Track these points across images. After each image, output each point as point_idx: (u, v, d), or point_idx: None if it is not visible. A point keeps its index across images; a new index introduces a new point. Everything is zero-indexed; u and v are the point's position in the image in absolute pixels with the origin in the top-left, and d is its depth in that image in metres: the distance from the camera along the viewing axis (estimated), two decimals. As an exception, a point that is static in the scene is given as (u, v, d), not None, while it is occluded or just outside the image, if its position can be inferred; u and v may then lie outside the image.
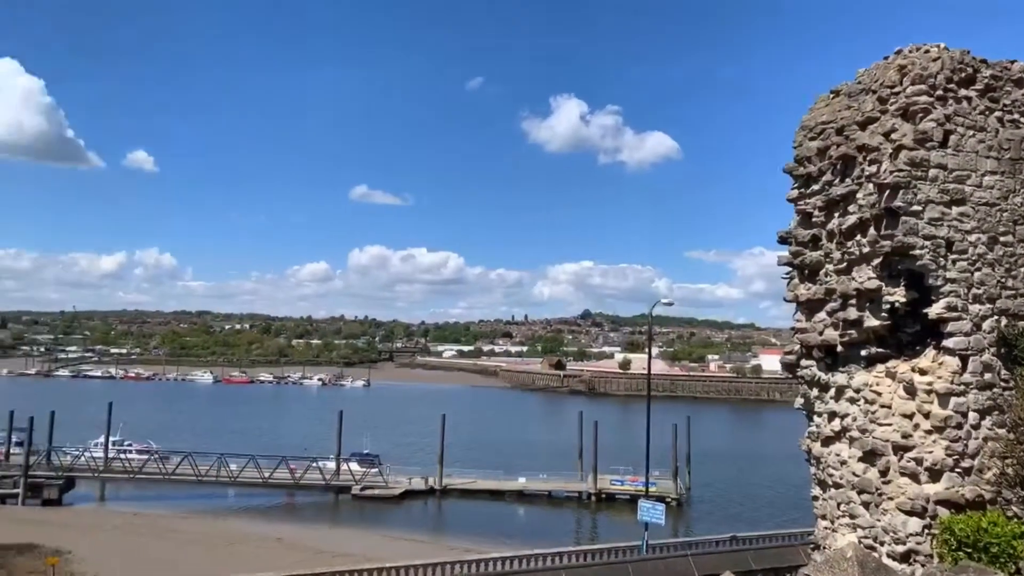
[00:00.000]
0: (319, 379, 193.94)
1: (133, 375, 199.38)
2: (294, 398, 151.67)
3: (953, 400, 11.05)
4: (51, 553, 31.06)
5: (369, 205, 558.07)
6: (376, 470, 54.50)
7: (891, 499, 11.23)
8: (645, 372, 49.98)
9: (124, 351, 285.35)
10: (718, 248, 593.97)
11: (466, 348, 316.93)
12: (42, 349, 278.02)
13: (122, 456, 55.41)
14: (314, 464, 52.70)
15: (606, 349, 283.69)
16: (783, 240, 14.19)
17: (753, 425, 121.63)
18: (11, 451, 53.53)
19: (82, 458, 53.94)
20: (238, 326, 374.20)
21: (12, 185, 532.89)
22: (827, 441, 12.69)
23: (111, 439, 57.84)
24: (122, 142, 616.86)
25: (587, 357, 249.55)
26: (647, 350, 46.26)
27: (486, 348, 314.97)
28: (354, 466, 54.30)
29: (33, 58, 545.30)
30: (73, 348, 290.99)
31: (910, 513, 10.94)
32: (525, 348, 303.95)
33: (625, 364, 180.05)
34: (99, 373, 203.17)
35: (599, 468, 53.02)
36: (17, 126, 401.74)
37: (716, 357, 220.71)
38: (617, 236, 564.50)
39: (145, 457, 55.53)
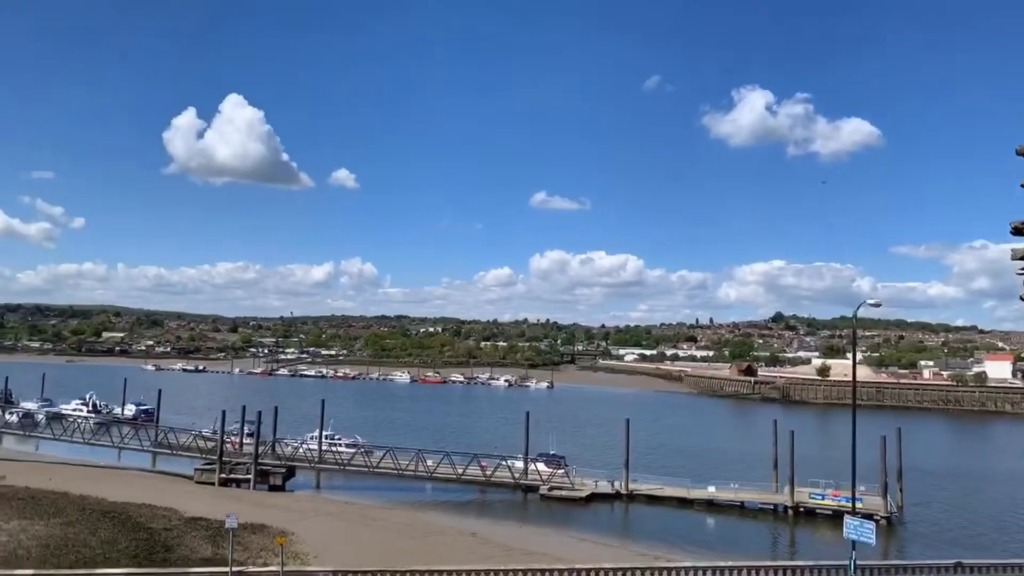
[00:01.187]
0: (505, 380, 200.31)
1: (341, 375, 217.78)
2: (482, 398, 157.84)
3: None
4: (278, 533, 34.80)
5: (549, 211, 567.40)
6: (563, 471, 55.18)
7: None
8: (845, 379, 46.23)
9: (333, 352, 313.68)
10: (929, 242, 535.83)
11: (648, 352, 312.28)
12: (266, 351, 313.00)
13: (333, 449, 60.66)
14: (503, 463, 54.45)
15: (802, 354, 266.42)
16: (1018, 231, 12.56)
17: (977, 440, 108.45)
18: (244, 441, 60.59)
19: (300, 449, 59.85)
20: (431, 329, 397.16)
21: (240, 206, 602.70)
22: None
23: (324, 433, 63.55)
24: (327, 162, 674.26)
25: (780, 362, 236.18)
26: (852, 355, 42.62)
27: (669, 352, 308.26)
28: (541, 466, 55.37)
29: (254, 92, 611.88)
30: (291, 350, 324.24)
31: None
32: (711, 352, 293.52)
33: (823, 370, 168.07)
34: (312, 373, 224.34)
35: (796, 481, 49.81)
36: (243, 153, 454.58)
37: (930, 363, 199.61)
38: (811, 233, 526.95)
39: (352, 450, 60.32)
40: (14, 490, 44.31)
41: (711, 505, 51.17)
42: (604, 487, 53.73)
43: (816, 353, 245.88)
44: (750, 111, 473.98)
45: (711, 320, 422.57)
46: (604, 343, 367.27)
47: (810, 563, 24.42)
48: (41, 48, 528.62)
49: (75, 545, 31.58)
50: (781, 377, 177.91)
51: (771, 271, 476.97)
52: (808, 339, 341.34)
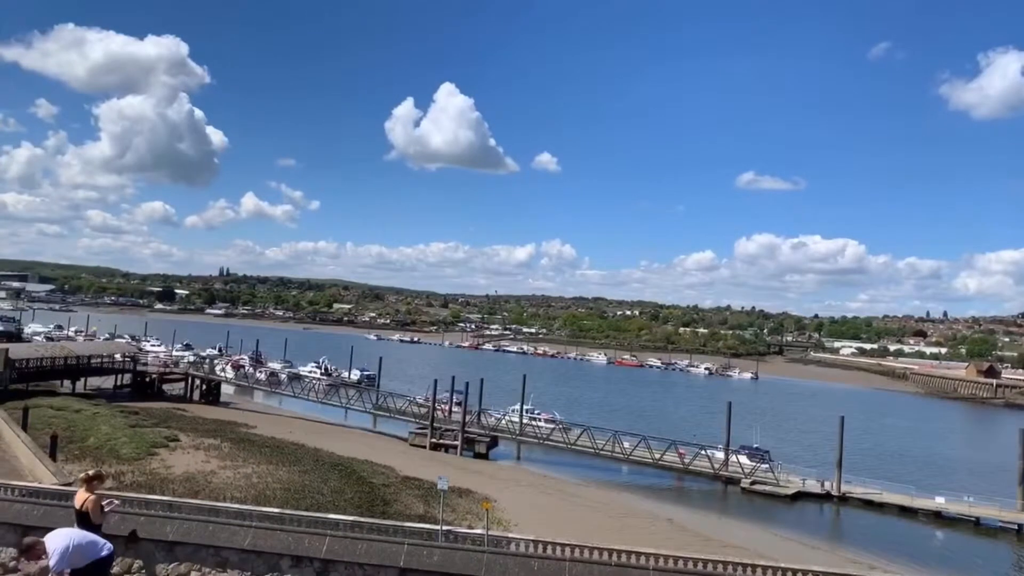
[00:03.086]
0: (706, 368, 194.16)
1: (540, 352, 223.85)
2: (681, 384, 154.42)
3: None
4: (483, 499, 36.76)
5: (757, 192, 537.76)
6: (766, 466, 52.62)
7: None
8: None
9: (533, 331, 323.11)
10: None
11: (867, 346, 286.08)
12: (472, 326, 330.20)
13: (533, 423, 62.75)
14: (702, 452, 53.07)
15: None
16: None
17: None
18: (452, 409, 64.59)
19: (503, 421, 62.65)
20: (628, 312, 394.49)
21: (452, 189, 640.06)
22: None
23: (524, 407, 65.90)
24: (531, 147, 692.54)
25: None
26: None
27: (892, 347, 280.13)
28: (743, 459, 53.20)
29: (466, 80, 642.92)
30: (495, 326, 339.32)
31: None
32: (943, 350, 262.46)
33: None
34: (514, 349, 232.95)
35: (1049, 500, 43.36)
36: (455, 139, 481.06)
37: None
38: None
39: (551, 426, 61.98)
40: (263, 439, 51.01)
41: (939, 517, 46.14)
42: (812, 486, 50.46)
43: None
44: (1001, 77, 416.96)
45: (944, 314, 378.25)
46: (817, 334, 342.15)
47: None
48: (280, 48, 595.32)
49: (310, 491, 35.69)
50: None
51: (1023, 259, 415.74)
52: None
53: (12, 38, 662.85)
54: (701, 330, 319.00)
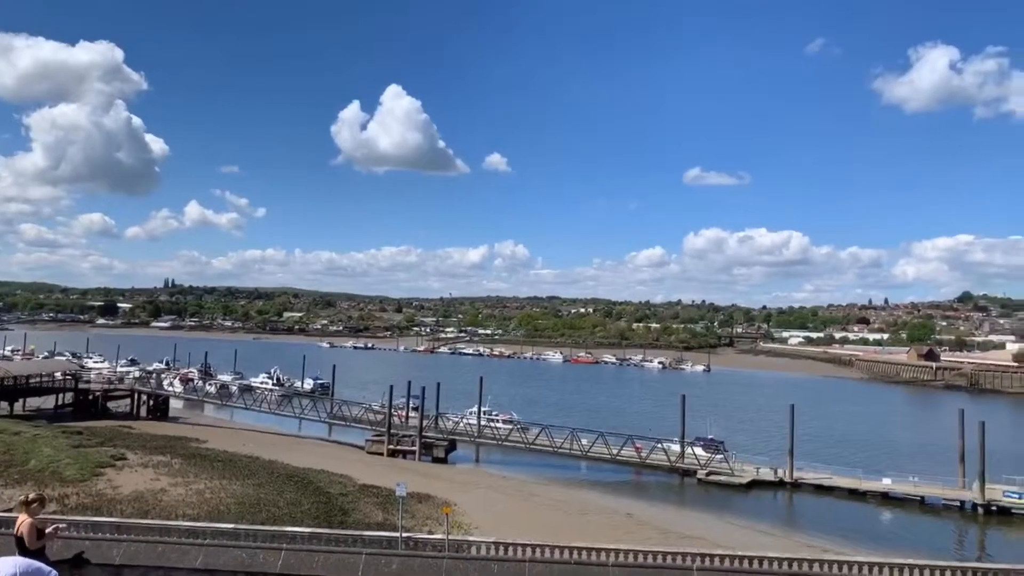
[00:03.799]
0: (659, 362, 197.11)
1: (497, 353, 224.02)
2: (635, 380, 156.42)
3: None
4: (443, 503, 36.56)
5: (704, 188, 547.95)
6: (721, 456, 53.65)
7: None
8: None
9: (489, 332, 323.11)
10: None
11: (814, 335, 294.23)
12: (428, 330, 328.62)
13: (491, 425, 62.71)
14: (659, 445, 53.79)
15: (993, 338, 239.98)
16: None
17: None
18: (409, 415, 64.10)
19: (461, 424, 62.45)
20: (583, 310, 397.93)
21: (402, 192, 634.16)
22: None
23: (482, 409, 65.81)
24: (481, 148, 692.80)
25: (967, 347, 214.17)
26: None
27: (838, 335, 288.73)
28: (699, 451, 54.15)
29: (412, 81, 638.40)
30: (451, 329, 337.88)
31: None
32: (886, 336, 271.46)
33: (1021, 356, 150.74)
34: (470, 351, 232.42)
35: (987, 476, 45.21)
36: (403, 141, 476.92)
37: None
38: (1005, 204, 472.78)
39: (509, 427, 62.04)
40: (215, 453, 49.82)
41: (886, 499, 47.72)
42: (766, 474, 51.65)
43: (1012, 337, 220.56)
44: (930, 71, 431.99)
45: (886, 301, 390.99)
46: (765, 325, 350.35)
47: (1007, 566, 22.05)
48: (220, 53, 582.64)
49: (265, 504, 35.01)
50: (968, 363, 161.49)
51: (956, 246, 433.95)
52: (1001, 321, 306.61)
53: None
54: (654, 325, 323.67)
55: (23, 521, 10.16)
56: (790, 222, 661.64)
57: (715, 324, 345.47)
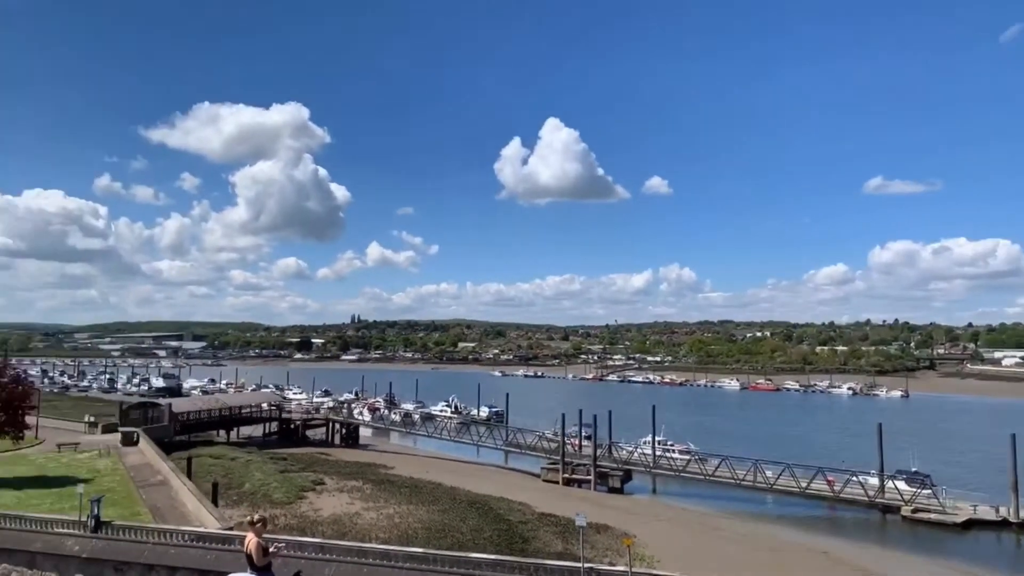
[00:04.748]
0: (849, 388, 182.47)
1: (667, 380, 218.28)
2: (823, 407, 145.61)
3: None
4: (622, 534, 36.03)
5: (888, 197, 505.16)
6: (928, 491, 48.33)
7: None
8: None
9: (658, 359, 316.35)
10: None
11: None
12: (595, 357, 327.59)
13: (666, 455, 61.01)
14: (854, 478, 49.54)
15: None
16: None
17: None
18: (582, 443, 63.97)
19: (635, 454, 61.29)
20: (758, 334, 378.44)
21: (563, 222, 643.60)
22: None
23: (656, 438, 64.27)
24: (641, 173, 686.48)
25: None
26: None
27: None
28: (901, 484, 49.19)
29: (569, 112, 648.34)
30: (618, 356, 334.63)
31: None
32: None
33: None
34: (640, 378, 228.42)
35: None
36: (563, 173, 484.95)
37: None
38: None
39: (686, 457, 60.00)
40: (402, 479, 52.53)
41: None
42: (986, 513, 45.82)
43: None
44: None
45: None
46: (972, 345, 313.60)
47: None
48: (391, 103, 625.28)
49: (450, 530, 36.26)
50: None
51: None
52: None
53: (158, 121, 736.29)
54: (840, 348, 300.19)
55: (251, 540, 11.26)
56: (994, 229, 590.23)
57: (912, 345, 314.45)
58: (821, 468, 51.24)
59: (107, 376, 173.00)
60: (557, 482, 57.47)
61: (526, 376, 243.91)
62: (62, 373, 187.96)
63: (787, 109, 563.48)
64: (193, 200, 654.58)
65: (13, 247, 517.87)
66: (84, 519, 22.39)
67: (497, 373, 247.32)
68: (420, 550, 25.35)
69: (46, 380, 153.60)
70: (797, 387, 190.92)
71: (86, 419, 67.14)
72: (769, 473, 51.93)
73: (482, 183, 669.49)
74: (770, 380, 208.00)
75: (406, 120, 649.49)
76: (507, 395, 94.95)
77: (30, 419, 46.16)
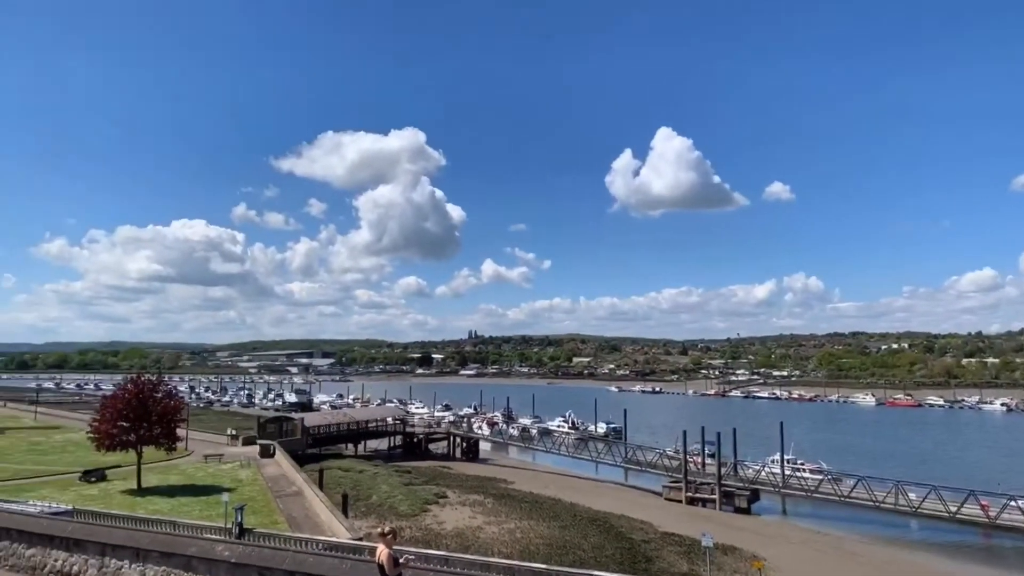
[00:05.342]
0: (1003, 404, 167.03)
1: (796, 396, 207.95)
2: (972, 424, 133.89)
3: None
4: (751, 557, 34.54)
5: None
6: (1104, 521, 43.25)
7: None
8: None
9: (784, 373, 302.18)
10: None
11: None
12: (716, 372, 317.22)
13: (797, 474, 58.02)
14: (1013, 503, 45.11)
15: None
16: None
17: None
18: (705, 461, 61.98)
19: (763, 472, 58.65)
20: (895, 345, 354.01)
21: (679, 233, 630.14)
22: None
23: (785, 457, 61.29)
24: (760, 178, 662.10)
25: None
26: None
27: None
28: (1070, 512, 44.29)
29: (681, 121, 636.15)
30: (741, 371, 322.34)
31: None
32: None
33: None
34: (765, 394, 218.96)
35: None
36: (676, 182, 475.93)
37: None
38: None
39: (819, 477, 56.82)
40: (522, 494, 52.79)
41: None
42: None
43: None
44: None
45: None
46: None
47: None
48: (502, 123, 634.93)
49: (571, 547, 36.03)
50: None
51: None
52: None
53: (287, 151, 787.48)
54: (990, 360, 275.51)
55: (383, 551, 11.64)
56: None
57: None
58: (973, 491, 46.98)
59: (246, 392, 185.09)
60: (680, 501, 55.90)
61: (643, 392, 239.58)
62: (206, 389, 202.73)
63: (923, 106, 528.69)
64: (320, 224, 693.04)
65: (164, 273, 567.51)
66: (229, 526, 23.98)
67: (613, 388, 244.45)
68: (543, 566, 25.35)
69: (193, 396, 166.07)
70: (941, 403, 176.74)
71: (228, 432, 72.07)
72: (913, 496, 48.19)
73: (593, 197, 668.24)
74: (910, 395, 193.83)
75: (517, 138, 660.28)
76: (624, 411, 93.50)
77: (180, 432, 49.94)
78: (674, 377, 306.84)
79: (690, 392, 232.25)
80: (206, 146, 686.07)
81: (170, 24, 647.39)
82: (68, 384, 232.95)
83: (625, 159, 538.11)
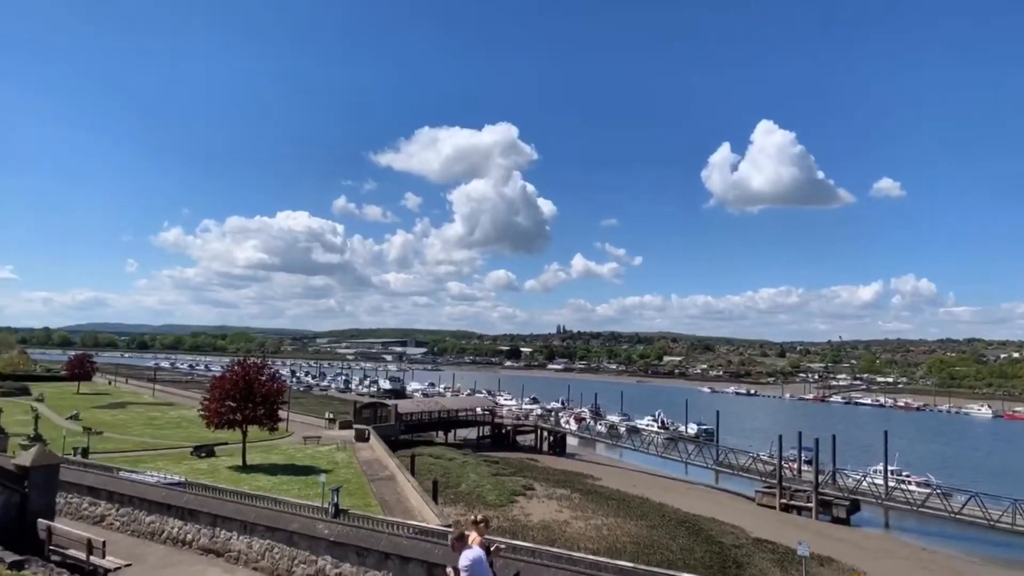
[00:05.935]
0: None
1: (902, 404, 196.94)
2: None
3: None
4: (850, 569, 33.08)
5: None
6: None
7: None
8: None
9: (889, 380, 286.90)
10: None
11: None
12: (815, 376, 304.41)
13: (901, 487, 55.06)
14: None
15: None
16: None
17: None
18: (801, 467, 59.72)
19: (864, 483, 55.93)
20: (1015, 354, 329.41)
21: (778, 231, 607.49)
22: None
23: (889, 468, 58.29)
24: (868, 174, 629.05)
25: None
26: None
27: None
28: None
29: (783, 114, 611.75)
30: (842, 376, 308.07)
31: None
32: None
33: None
34: (868, 401, 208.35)
35: None
36: (777, 178, 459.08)
37: None
38: None
39: (926, 491, 53.71)
40: (609, 491, 52.49)
41: None
42: None
43: None
44: None
45: None
46: None
47: None
48: (597, 117, 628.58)
49: (659, 547, 35.57)
50: None
51: None
52: None
53: (385, 147, 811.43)
54: None
55: (475, 539, 11.87)
56: None
57: None
58: (1104, 516, 43.30)
59: (343, 377, 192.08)
60: (773, 507, 54.12)
61: (737, 393, 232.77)
62: (306, 374, 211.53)
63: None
64: (415, 217, 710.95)
65: (269, 262, 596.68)
66: (326, 506, 25.02)
67: (706, 389, 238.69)
68: (630, 564, 25.16)
69: (294, 379, 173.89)
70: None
71: (326, 416, 75.04)
72: (1033, 517, 44.83)
73: (688, 192, 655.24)
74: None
75: (609, 133, 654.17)
76: (717, 412, 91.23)
77: (281, 413, 52.41)
78: (770, 380, 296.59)
79: (787, 396, 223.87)
80: (310, 141, 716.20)
81: (282, 23, 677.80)
82: (181, 364, 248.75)
83: (723, 153, 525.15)
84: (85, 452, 42.61)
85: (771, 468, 58.49)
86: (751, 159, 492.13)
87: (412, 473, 43.82)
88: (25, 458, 20.90)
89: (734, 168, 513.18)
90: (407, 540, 15.94)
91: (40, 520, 20.29)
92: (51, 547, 20.10)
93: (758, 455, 64.44)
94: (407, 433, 75.13)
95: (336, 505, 24.40)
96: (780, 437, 59.32)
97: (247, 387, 45.60)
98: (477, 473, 53.00)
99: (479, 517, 12.68)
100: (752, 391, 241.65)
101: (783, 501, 54.01)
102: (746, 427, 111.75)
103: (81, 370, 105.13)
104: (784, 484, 55.18)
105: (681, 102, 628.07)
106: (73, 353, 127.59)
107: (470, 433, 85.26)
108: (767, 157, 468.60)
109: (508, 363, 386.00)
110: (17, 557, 15.43)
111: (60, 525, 21.13)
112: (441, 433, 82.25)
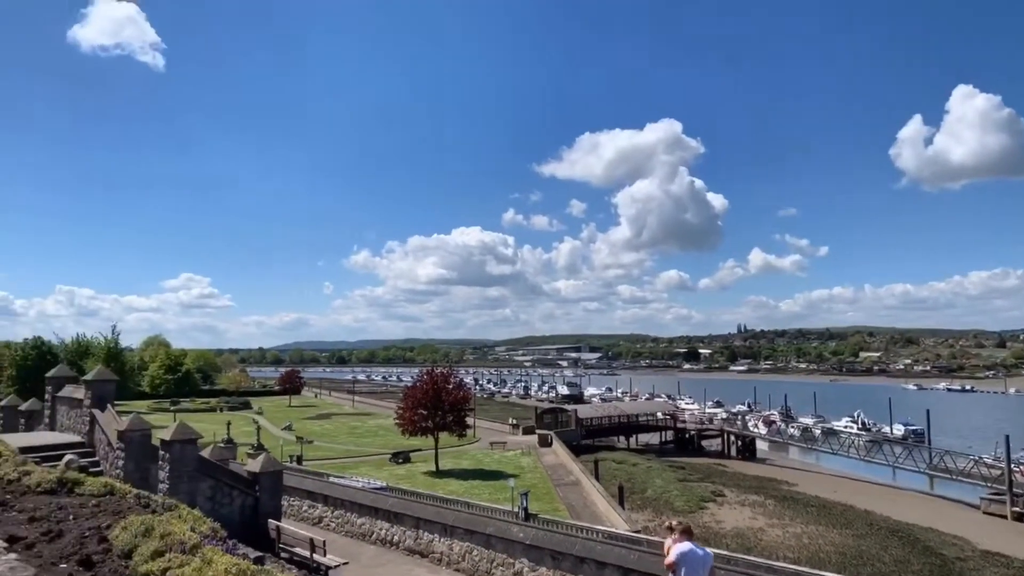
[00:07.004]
0: None
1: None
2: None
3: None
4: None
5: None
6: None
7: None
8: None
9: None
10: None
11: None
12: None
13: None
14: None
15: None
16: None
17: None
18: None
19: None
20: None
21: (987, 206, 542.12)
22: None
23: None
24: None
25: None
26: None
27: None
28: None
29: (984, 76, 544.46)
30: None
31: None
32: None
33: None
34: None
35: None
36: (982, 148, 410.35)
37: None
38: None
39: None
40: (807, 497, 49.42)
41: None
42: None
43: None
44: None
45: None
46: None
47: None
48: (762, 102, 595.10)
49: (868, 558, 32.93)
50: None
51: None
52: None
53: (548, 156, 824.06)
54: None
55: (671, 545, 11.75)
56: None
57: None
58: None
59: (522, 384, 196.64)
60: (1004, 516, 48.15)
61: (949, 390, 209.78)
62: (488, 381, 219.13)
63: None
64: (581, 224, 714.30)
65: (447, 276, 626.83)
66: (515, 510, 25.80)
67: (911, 386, 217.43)
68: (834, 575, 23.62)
69: (476, 387, 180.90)
70: None
71: (509, 421, 77.31)
72: None
73: (875, 173, 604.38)
74: None
75: (780, 117, 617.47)
76: (927, 411, 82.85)
77: (468, 420, 54.71)
78: (989, 374, 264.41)
79: (1012, 391, 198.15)
80: (477, 159, 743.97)
81: (436, 41, 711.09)
82: (376, 376, 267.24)
83: (914, 126, 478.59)
84: (299, 459, 47.14)
85: (998, 472, 52.15)
86: (948, 130, 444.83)
87: (596, 478, 43.97)
88: (255, 465, 23.58)
89: (928, 142, 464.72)
90: (601, 545, 16.07)
91: (270, 520, 22.77)
92: (280, 545, 22.48)
93: (981, 458, 57.71)
94: (588, 438, 75.41)
95: (525, 509, 25.06)
96: (1007, 438, 52.78)
97: (436, 395, 48.16)
98: (663, 478, 52.08)
99: (675, 522, 12.54)
100: (968, 387, 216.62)
101: (1015, 509, 47.89)
102: (962, 427, 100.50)
103: (291, 385, 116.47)
104: (1016, 490, 48.95)
105: (859, 75, 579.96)
106: (284, 369, 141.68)
107: (652, 438, 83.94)
108: (968, 126, 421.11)
109: (687, 366, 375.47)
110: (258, 553, 17.41)
111: (287, 525, 23.59)
112: (622, 438, 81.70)
